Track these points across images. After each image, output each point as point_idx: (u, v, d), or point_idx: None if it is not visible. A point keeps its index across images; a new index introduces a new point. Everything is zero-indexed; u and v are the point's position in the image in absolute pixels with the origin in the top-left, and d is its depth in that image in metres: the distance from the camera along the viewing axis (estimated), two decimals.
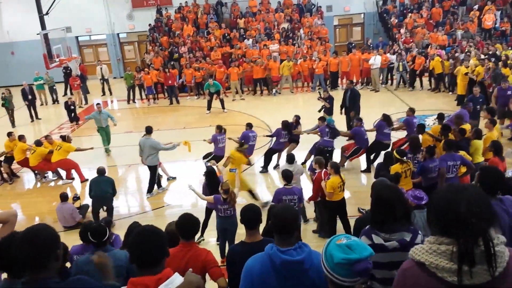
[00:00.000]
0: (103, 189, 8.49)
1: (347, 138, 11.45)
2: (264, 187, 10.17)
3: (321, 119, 10.71)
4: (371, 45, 19.96)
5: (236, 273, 2.94)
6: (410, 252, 1.92)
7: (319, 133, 10.32)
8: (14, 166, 11.61)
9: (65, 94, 20.72)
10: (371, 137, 10.43)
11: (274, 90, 18.72)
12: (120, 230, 6.62)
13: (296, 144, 10.75)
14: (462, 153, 7.41)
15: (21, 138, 11.28)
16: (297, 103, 16.78)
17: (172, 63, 20.01)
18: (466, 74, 14.19)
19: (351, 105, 12.32)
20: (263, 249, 2.82)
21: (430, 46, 18.33)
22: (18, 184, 11.51)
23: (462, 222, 1.73)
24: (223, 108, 16.52)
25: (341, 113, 12.70)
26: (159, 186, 10.24)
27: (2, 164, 11.36)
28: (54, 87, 19.87)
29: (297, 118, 10.96)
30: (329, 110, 12.49)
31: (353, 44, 21.61)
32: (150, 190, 10.05)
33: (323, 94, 12.67)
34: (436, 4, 22.05)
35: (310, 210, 8.14)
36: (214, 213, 7.20)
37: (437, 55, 16.74)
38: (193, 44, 21.10)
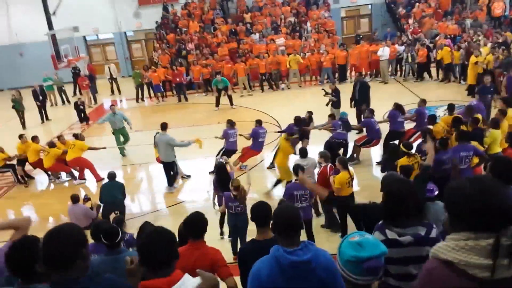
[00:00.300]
0: (113, 195, 8.46)
1: (356, 131, 11.42)
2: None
3: (331, 116, 10.66)
4: (377, 36, 19.79)
5: (248, 272, 2.93)
6: (433, 251, 1.86)
7: (332, 127, 10.24)
8: (27, 167, 11.67)
9: (74, 94, 20.86)
10: (384, 129, 10.36)
11: (282, 85, 18.65)
12: (132, 230, 6.64)
13: (307, 140, 10.70)
14: (474, 143, 7.32)
15: (34, 139, 11.33)
16: (306, 97, 16.69)
17: (179, 60, 20.01)
18: (476, 63, 14.01)
19: (361, 98, 12.19)
20: None
21: (438, 36, 18.13)
22: (32, 186, 11.60)
23: (502, 214, 1.68)
24: (231, 104, 16.51)
25: (351, 106, 12.55)
26: (171, 184, 10.22)
27: (16, 167, 11.43)
28: (63, 88, 19.99)
29: (310, 114, 10.90)
30: (336, 104, 12.40)
31: (361, 36, 21.42)
32: (171, 183, 10.05)
33: (330, 86, 12.59)
34: None
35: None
36: None
37: (445, 45, 16.55)
38: (200, 40, 21.09)
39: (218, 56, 19.45)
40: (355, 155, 10.44)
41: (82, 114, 16.33)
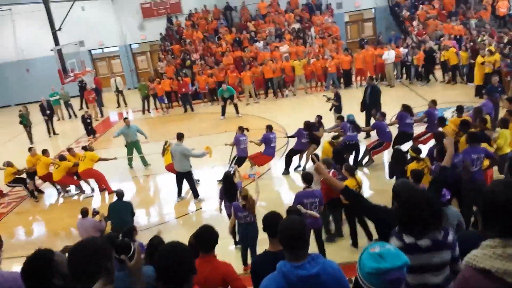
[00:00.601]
0: (122, 218, 8.12)
1: (364, 136, 11.35)
2: (286, 190, 10.07)
3: (340, 118, 10.60)
4: (380, 39, 19.76)
5: None
6: (468, 259, 1.80)
7: (341, 130, 10.17)
8: (36, 181, 11.68)
9: (81, 108, 20.96)
10: (394, 131, 10.31)
11: (286, 92, 18.62)
12: (141, 241, 6.58)
13: (317, 146, 10.65)
14: (484, 145, 7.21)
15: (45, 152, 11.35)
16: (312, 103, 16.65)
17: (184, 71, 20.07)
18: (483, 63, 13.90)
19: (372, 102, 12.09)
20: None
21: (443, 37, 18.05)
22: (41, 200, 11.59)
23: None
24: (237, 112, 16.50)
25: (361, 110, 12.39)
26: (179, 195, 10.18)
27: (27, 181, 11.42)
28: (70, 102, 20.11)
29: (319, 118, 10.83)
30: (338, 108, 12.36)
31: (366, 40, 21.37)
32: (196, 195, 9.97)
33: (331, 91, 12.53)
34: None
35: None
36: None
37: (450, 46, 16.46)
38: (204, 50, 21.16)
39: (224, 65, 19.48)
40: (367, 157, 10.38)
41: (89, 128, 16.39)
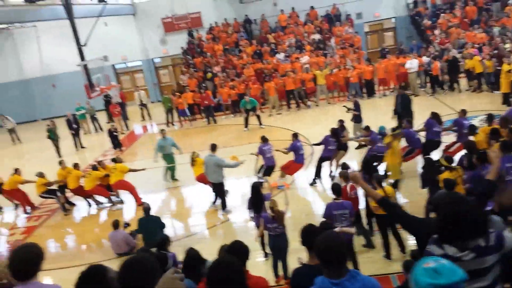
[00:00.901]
0: (153, 231, 8.08)
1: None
2: (317, 199, 10.04)
3: (366, 129, 10.55)
4: (402, 48, 19.67)
5: None
6: None
7: (370, 140, 10.04)
8: (68, 194, 11.84)
9: (108, 121, 21.29)
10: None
11: (308, 102, 18.63)
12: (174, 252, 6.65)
13: (345, 152, 10.59)
14: None
15: (76, 166, 11.54)
16: (334, 113, 16.60)
17: (204, 84, 20.27)
18: (509, 71, 13.70)
19: (404, 111, 12.04)
20: None
21: (466, 46, 17.86)
22: (72, 212, 11.73)
23: None
24: (260, 124, 16.56)
25: (393, 117, 12.44)
26: (214, 202, 10.24)
27: (59, 194, 11.58)
28: (95, 116, 20.50)
29: (341, 122, 10.96)
30: (357, 118, 12.31)
31: (387, 50, 21.26)
32: (224, 206, 9.99)
33: (351, 100, 12.52)
34: (470, 2, 21.47)
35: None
36: None
37: (473, 54, 16.29)
38: (225, 63, 21.36)
39: (245, 77, 19.61)
40: None
41: (116, 141, 16.64)
